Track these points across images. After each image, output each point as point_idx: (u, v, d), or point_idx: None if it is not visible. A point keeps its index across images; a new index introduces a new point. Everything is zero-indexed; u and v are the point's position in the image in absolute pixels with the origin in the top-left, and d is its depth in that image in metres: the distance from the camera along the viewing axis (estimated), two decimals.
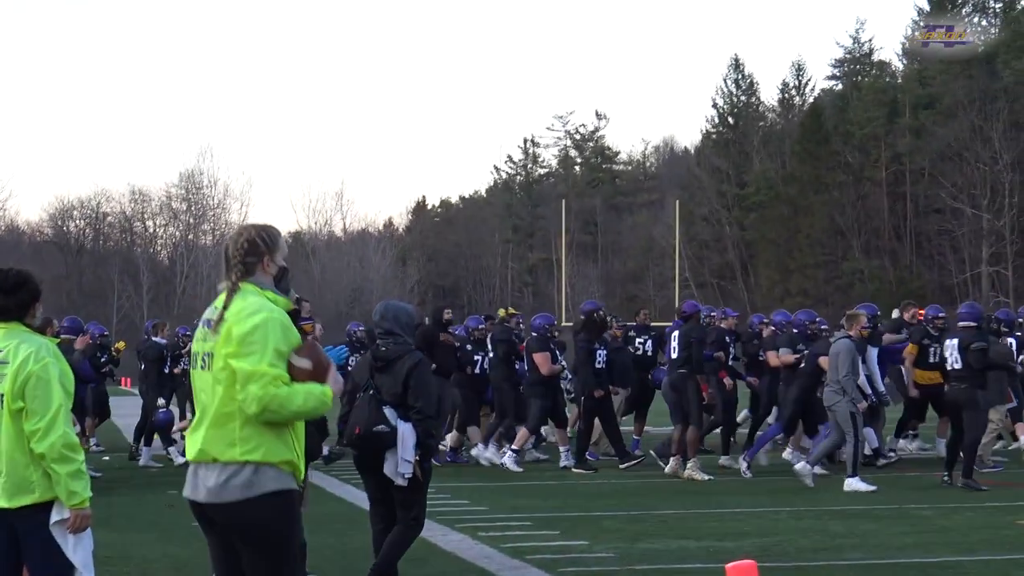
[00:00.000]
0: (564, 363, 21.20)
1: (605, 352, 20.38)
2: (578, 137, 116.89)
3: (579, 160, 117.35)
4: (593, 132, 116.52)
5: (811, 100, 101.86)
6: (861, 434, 17.16)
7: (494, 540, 12.81)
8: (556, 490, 17.61)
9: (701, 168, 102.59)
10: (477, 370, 21.45)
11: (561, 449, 20.45)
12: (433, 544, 12.41)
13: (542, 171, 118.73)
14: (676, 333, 18.84)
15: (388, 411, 9.49)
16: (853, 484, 16.77)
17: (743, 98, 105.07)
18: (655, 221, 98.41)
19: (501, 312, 23.66)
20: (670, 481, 18.29)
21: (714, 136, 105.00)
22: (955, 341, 17.05)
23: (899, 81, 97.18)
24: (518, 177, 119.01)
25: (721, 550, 11.87)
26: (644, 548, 12.35)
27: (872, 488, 16.65)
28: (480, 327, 22.11)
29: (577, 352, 20.39)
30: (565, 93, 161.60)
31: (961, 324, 17.28)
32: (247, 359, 6.13)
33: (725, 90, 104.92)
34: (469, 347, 21.54)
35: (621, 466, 19.91)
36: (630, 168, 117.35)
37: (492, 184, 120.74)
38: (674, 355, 18.72)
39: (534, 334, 20.75)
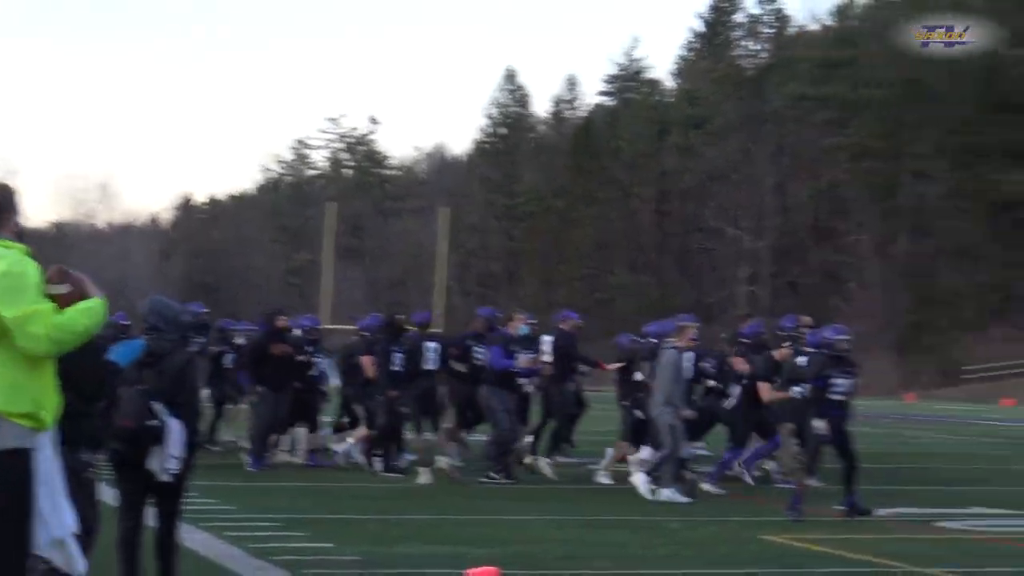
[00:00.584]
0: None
1: (402, 355, 20.04)
2: (350, 140, 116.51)
3: (350, 163, 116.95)
4: (365, 136, 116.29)
5: (583, 115, 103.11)
6: (680, 446, 17.18)
7: (240, 540, 12.52)
8: (308, 491, 17.36)
9: (471, 177, 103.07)
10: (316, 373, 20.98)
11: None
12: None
13: (312, 172, 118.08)
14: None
15: (157, 406, 9.29)
16: (667, 495, 16.87)
17: (516, 109, 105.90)
18: (423, 227, 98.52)
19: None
20: (431, 486, 18.16)
21: (486, 146, 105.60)
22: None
23: (670, 100, 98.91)
24: (287, 178, 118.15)
25: (469, 556, 11.74)
26: (391, 552, 12.18)
27: (687, 500, 16.78)
28: (318, 326, 21.75)
29: (376, 354, 20.07)
30: (338, 96, 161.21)
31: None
32: (12, 306, 5.94)
33: (499, 101, 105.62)
34: (310, 349, 21.05)
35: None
36: (400, 173, 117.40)
37: (261, 183, 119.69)
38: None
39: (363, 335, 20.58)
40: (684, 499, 16.83)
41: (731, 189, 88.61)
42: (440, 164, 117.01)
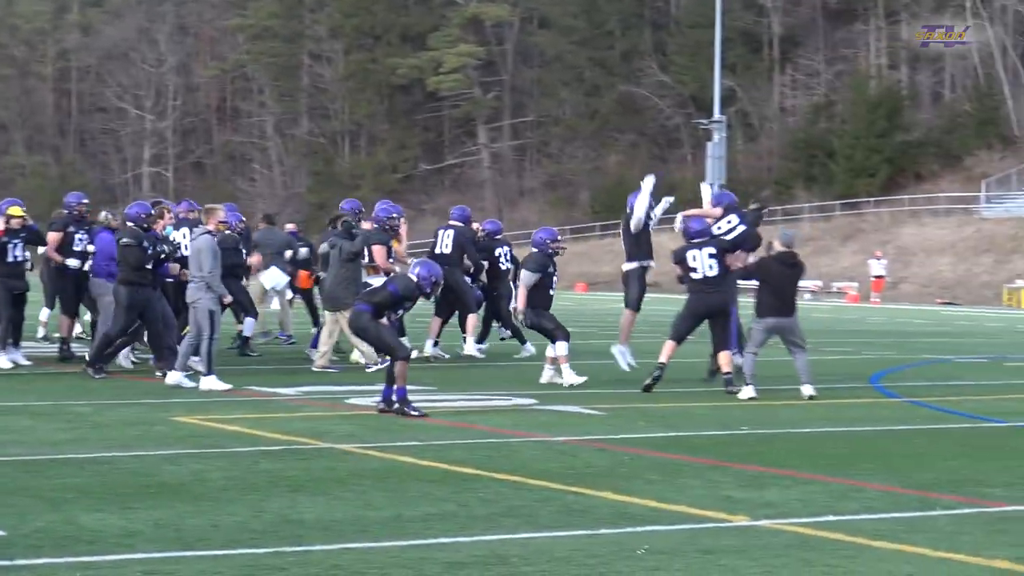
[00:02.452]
0: None
1: None
2: None
3: None
4: None
5: None
6: (217, 332, 16.77)
7: None
8: None
9: None
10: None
11: None
12: None
13: None
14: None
15: None
16: (209, 383, 16.45)
17: None
18: None
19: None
20: None
21: None
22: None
23: None
24: None
25: None
26: None
27: (227, 387, 16.38)
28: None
29: None
30: None
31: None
32: None
33: None
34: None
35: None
36: None
37: None
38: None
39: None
40: (225, 386, 16.49)
41: (132, 68, 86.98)
42: None
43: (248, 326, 21.54)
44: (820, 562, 7.75)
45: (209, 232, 16.88)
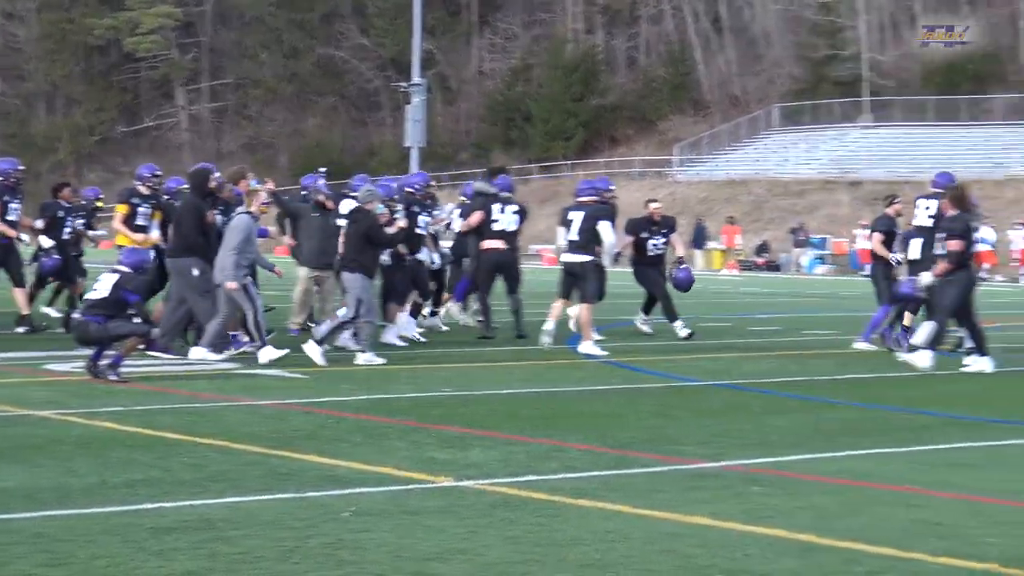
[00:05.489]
0: None
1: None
2: None
3: None
4: None
5: None
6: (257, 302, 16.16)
7: None
8: None
9: None
10: None
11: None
12: None
13: None
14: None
15: None
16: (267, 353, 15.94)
17: None
18: None
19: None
20: None
21: None
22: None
23: None
24: None
25: None
26: None
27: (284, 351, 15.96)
28: None
29: None
30: None
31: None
32: None
33: None
34: None
35: None
36: None
37: None
38: None
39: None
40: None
41: None
42: None
43: None
44: (523, 521, 7.93)
45: (249, 213, 16.42)
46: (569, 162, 76.75)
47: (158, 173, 19.22)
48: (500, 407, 13.07)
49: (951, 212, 16.92)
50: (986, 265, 42.57)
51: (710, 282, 43.88)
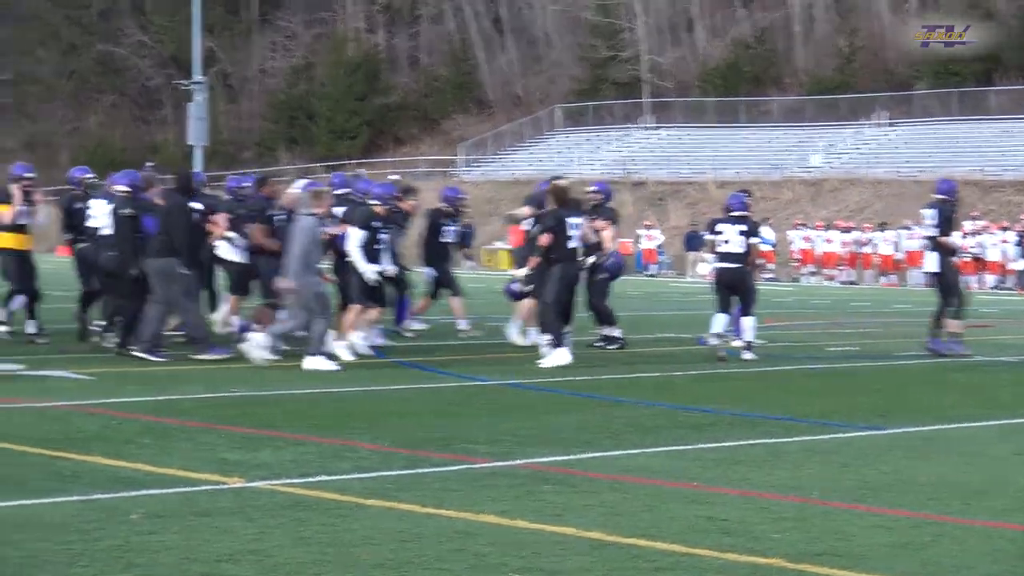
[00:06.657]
0: None
1: None
2: None
3: None
4: None
5: None
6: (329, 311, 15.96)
7: None
8: None
9: None
10: None
11: None
12: None
13: None
14: None
15: None
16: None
17: None
18: None
19: None
20: None
21: None
22: None
23: None
24: None
25: None
26: None
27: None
28: None
29: None
30: None
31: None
32: None
33: None
34: None
35: None
36: None
37: None
38: None
39: None
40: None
41: None
42: None
43: None
44: (314, 521, 7.90)
45: (314, 215, 16.05)
46: (355, 161, 76.45)
47: None
48: (290, 408, 12.99)
49: (549, 207, 17.28)
50: (770, 265, 43.68)
51: (496, 281, 44.03)
